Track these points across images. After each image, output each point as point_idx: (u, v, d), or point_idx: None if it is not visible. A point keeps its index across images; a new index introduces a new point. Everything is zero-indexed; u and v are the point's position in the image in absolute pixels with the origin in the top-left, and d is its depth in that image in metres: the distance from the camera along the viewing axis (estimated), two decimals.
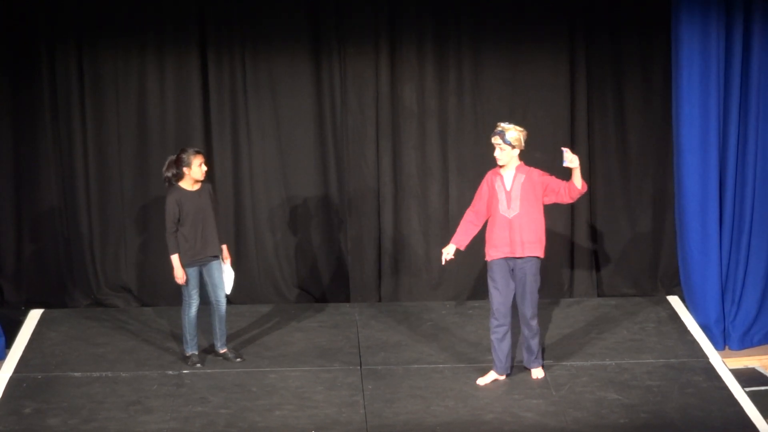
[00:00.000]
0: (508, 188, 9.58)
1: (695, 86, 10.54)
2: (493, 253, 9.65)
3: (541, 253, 9.63)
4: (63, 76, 11.40)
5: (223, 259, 10.09)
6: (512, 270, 9.65)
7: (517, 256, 9.58)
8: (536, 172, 9.60)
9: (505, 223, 9.57)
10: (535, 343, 9.85)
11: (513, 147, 9.49)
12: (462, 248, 9.81)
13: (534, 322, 9.76)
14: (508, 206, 9.56)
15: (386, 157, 11.61)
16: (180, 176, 9.84)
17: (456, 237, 9.78)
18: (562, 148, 9.52)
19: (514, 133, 9.48)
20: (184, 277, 9.87)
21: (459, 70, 11.51)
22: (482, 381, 9.86)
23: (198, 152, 9.86)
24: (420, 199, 11.71)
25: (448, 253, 9.77)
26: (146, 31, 11.33)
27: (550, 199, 9.61)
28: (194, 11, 11.31)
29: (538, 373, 9.92)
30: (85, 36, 11.34)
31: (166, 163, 9.90)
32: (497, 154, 9.55)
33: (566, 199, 9.59)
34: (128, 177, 11.57)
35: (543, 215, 9.64)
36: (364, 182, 11.63)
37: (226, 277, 10.09)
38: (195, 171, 9.80)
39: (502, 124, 9.56)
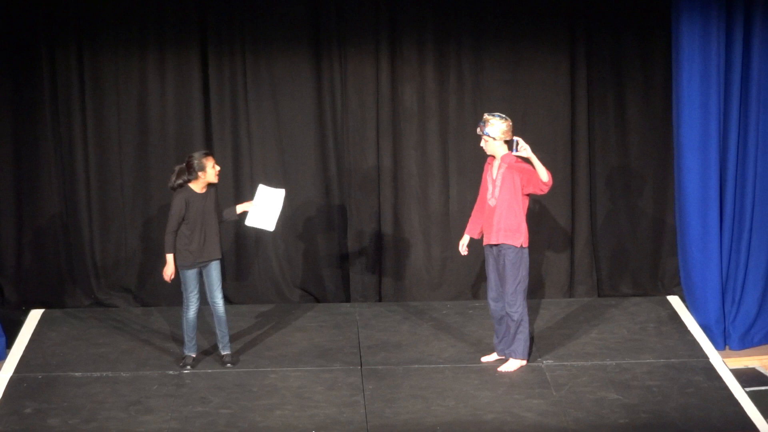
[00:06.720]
0: (494, 176, 9.80)
1: (695, 86, 10.54)
2: (484, 239, 9.91)
3: (517, 243, 9.74)
4: (63, 76, 11.40)
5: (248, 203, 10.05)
6: (496, 256, 9.80)
7: (494, 243, 9.80)
8: (516, 162, 9.73)
9: (490, 211, 9.81)
10: (514, 332, 9.89)
11: (494, 139, 9.67)
12: (475, 237, 10.03)
13: (512, 310, 9.83)
14: (492, 194, 9.77)
15: (386, 157, 11.61)
16: (192, 180, 9.84)
17: (468, 227, 10.06)
18: (515, 137, 9.63)
19: (494, 126, 9.67)
20: (172, 276, 9.87)
21: (459, 70, 11.51)
22: (486, 359, 10.17)
23: (208, 154, 9.87)
24: (420, 199, 11.71)
25: (462, 245, 10.04)
26: (147, 30, 11.33)
27: (528, 190, 9.76)
28: (195, 11, 11.32)
29: (508, 365, 9.96)
30: (85, 36, 11.33)
31: (176, 171, 9.85)
32: (482, 144, 9.81)
33: (538, 191, 9.74)
34: (128, 177, 11.57)
35: (522, 205, 9.77)
36: (365, 182, 11.64)
37: (269, 208, 10.04)
38: (210, 174, 9.80)
39: (486, 116, 9.77)
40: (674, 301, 11.45)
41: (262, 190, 10.07)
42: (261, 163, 11.63)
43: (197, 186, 9.85)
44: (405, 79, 11.53)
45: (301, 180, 11.64)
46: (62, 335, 10.82)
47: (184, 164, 9.83)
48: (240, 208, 10.09)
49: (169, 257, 9.87)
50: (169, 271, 9.88)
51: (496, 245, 9.83)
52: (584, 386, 9.73)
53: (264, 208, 10.07)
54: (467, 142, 11.44)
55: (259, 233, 11.40)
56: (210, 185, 9.91)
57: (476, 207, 10.02)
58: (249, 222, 10.08)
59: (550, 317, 11.15)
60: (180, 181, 9.82)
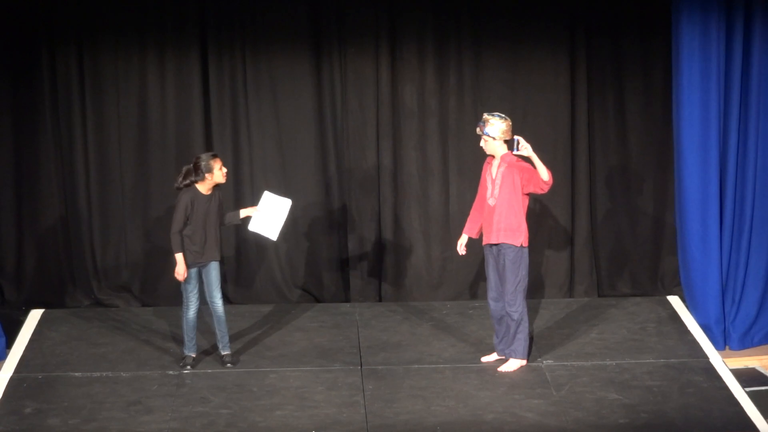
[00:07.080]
0: (493, 176, 9.80)
1: (695, 86, 10.54)
2: (483, 238, 9.92)
3: (517, 242, 9.75)
4: (63, 76, 11.40)
5: (252, 208, 10.08)
6: (496, 256, 9.82)
7: (493, 242, 9.80)
8: (516, 161, 9.74)
9: (489, 210, 9.81)
10: (514, 332, 9.91)
11: (494, 138, 9.66)
12: (474, 236, 10.02)
13: (512, 310, 9.84)
14: (492, 194, 9.77)
15: (386, 157, 11.61)
16: (198, 181, 9.83)
17: (466, 227, 10.05)
18: (515, 137, 9.64)
19: (494, 125, 9.68)
20: (185, 275, 9.86)
21: (459, 70, 11.51)
22: (486, 359, 10.16)
23: (215, 156, 9.86)
24: (420, 199, 11.71)
25: (461, 244, 10.02)
26: (147, 30, 11.33)
27: (528, 189, 9.76)
28: (195, 11, 11.32)
29: (508, 365, 9.97)
30: (85, 36, 11.34)
31: (182, 171, 9.85)
32: (481, 144, 9.81)
33: (538, 190, 9.75)
34: (128, 177, 11.57)
35: (522, 205, 9.78)
36: (365, 182, 11.64)
37: (273, 216, 10.05)
38: (217, 175, 9.79)
39: (486, 115, 9.77)
40: (674, 301, 11.45)
41: (267, 197, 10.09)
42: (261, 163, 11.63)
43: (203, 187, 9.84)
44: (405, 79, 11.53)
45: (301, 180, 11.64)
46: (62, 335, 10.82)
47: (191, 165, 9.83)
48: (244, 213, 10.10)
49: (179, 257, 9.84)
50: (181, 270, 9.85)
51: (495, 245, 9.83)
52: (584, 386, 9.73)
53: (268, 216, 10.09)
54: (467, 142, 11.43)
55: (260, 235, 11.45)
56: (215, 187, 9.90)
57: (474, 207, 10.02)
58: (252, 227, 10.09)
59: (550, 317, 11.15)
60: (186, 182, 9.83)
